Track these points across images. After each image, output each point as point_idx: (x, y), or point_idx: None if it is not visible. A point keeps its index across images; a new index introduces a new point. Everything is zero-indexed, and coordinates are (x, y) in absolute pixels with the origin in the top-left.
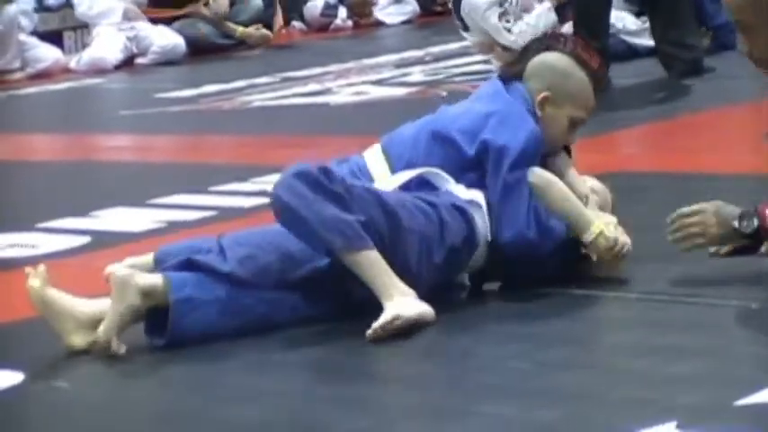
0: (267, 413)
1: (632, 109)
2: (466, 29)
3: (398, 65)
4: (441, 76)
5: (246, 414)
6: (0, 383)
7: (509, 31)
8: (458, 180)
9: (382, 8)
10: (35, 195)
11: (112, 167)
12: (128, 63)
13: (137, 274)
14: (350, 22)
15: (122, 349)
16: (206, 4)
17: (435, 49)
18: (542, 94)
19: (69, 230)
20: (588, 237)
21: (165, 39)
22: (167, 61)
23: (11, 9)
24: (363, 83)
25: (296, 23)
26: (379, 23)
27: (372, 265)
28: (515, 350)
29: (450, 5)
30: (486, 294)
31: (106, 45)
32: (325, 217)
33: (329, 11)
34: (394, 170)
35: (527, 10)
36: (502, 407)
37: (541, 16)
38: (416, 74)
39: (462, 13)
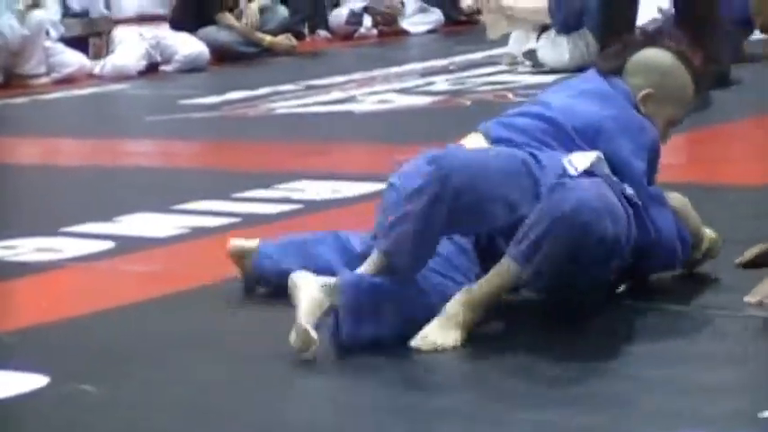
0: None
1: None
2: None
3: (423, 74)
4: (465, 86)
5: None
6: (26, 386)
7: None
8: None
9: (407, 17)
10: (60, 200)
11: (137, 173)
12: (151, 70)
13: (311, 276)
14: (374, 31)
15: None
16: (231, 11)
17: (460, 59)
18: (644, 92)
19: (93, 235)
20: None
21: (189, 47)
22: (191, 69)
23: (37, 15)
24: (388, 91)
25: (321, 32)
26: (404, 32)
27: None
28: (551, 357)
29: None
30: (523, 301)
31: (129, 52)
32: None
33: (354, 19)
34: None
35: None
36: (537, 414)
37: None
38: (441, 83)
39: None
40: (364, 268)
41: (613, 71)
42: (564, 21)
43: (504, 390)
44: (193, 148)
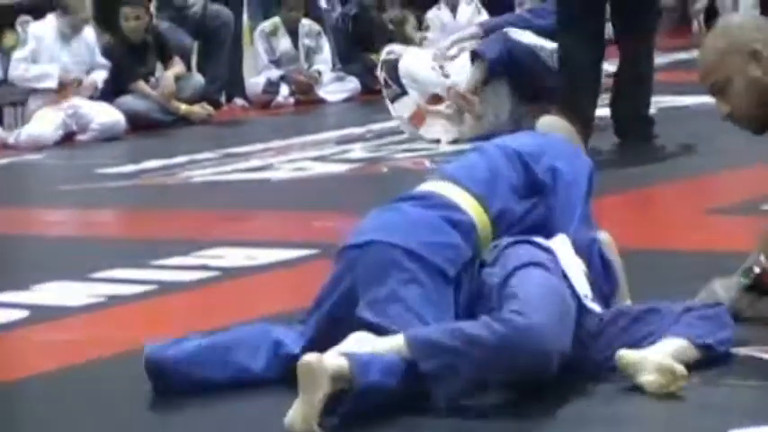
0: None
1: None
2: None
3: (340, 141)
4: (382, 153)
5: None
6: None
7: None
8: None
9: (324, 86)
10: None
11: (52, 242)
12: (67, 139)
13: (325, 358)
14: (291, 99)
15: None
16: (146, 81)
17: (377, 126)
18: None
19: (8, 304)
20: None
21: (105, 115)
22: (107, 138)
23: None
24: (304, 159)
25: (238, 100)
26: (321, 101)
27: None
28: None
29: (381, 77)
30: None
31: (45, 122)
32: None
33: (271, 88)
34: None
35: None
36: None
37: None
38: (358, 150)
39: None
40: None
41: None
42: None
43: None
44: (110, 217)
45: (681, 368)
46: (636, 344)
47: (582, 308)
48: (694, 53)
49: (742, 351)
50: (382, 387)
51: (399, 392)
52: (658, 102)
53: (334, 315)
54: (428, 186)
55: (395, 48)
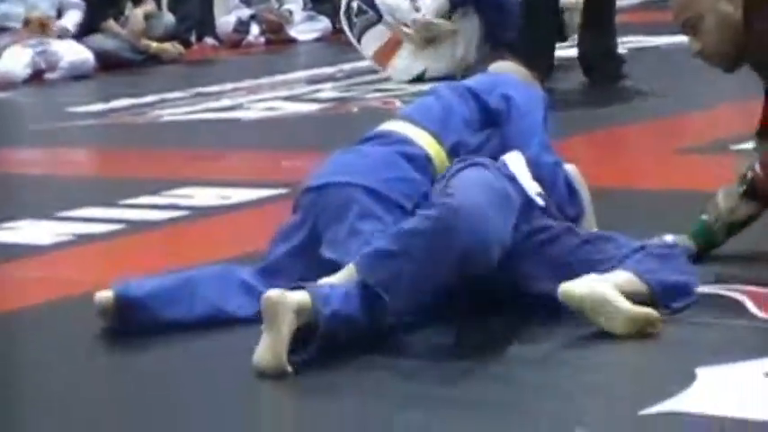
0: None
1: None
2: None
3: (310, 81)
4: (352, 93)
5: None
6: None
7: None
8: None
9: (295, 25)
10: None
11: (21, 180)
12: (36, 77)
13: (287, 293)
14: (262, 39)
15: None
16: (117, 20)
17: (347, 66)
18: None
19: None
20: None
21: (74, 54)
22: (77, 76)
23: None
24: (275, 98)
25: (208, 39)
26: (292, 40)
27: None
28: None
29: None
30: None
31: (13, 60)
32: None
33: (242, 27)
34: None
35: None
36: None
37: None
38: (328, 90)
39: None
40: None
41: None
42: None
43: (389, 390)
44: (79, 156)
45: (655, 314)
46: (580, 267)
47: (531, 203)
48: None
49: (710, 288)
50: (344, 316)
51: (363, 322)
52: (629, 42)
53: (297, 257)
54: (386, 126)
55: None
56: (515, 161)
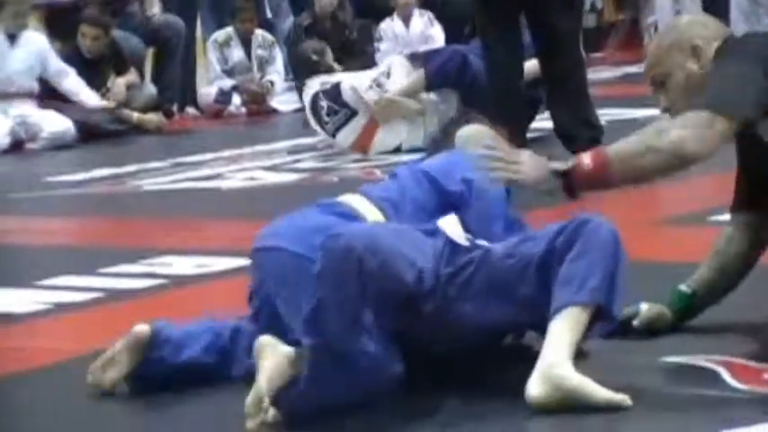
0: None
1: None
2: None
3: (291, 151)
4: (333, 163)
5: None
6: None
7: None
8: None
9: (276, 95)
10: None
11: None
12: (16, 148)
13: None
14: (244, 109)
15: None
16: (99, 90)
17: (327, 137)
18: None
19: None
20: None
21: (55, 125)
22: (58, 146)
23: None
24: (256, 168)
25: (189, 109)
26: (273, 111)
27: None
28: None
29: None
30: None
31: None
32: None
33: (223, 98)
34: (382, 208)
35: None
36: None
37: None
38: (309, 160)
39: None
40: None
41: None
42: None
43: None
44: (58, 225)
45: (626, 400)
46: (513, 280)
47: (455, 246)
48: (644, 67)
49: (686, 359)
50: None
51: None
52: (607, 114)
53: (266, 312)
54: (341, 197)
55: (325, 78)
56: (446, 222)
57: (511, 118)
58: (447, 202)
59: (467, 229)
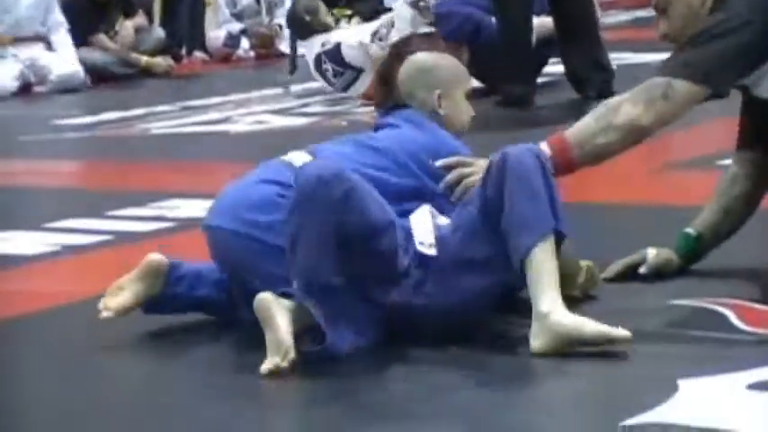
0: None
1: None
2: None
3: (299, 95)
4: (341, 107)
5: None
6: None
7: None
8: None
9: (285, 39)
10: None
11: (7, 192)
12: (25, 90)
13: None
14: (252, 53)
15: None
16: (107, 34)
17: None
18: (435, 95)
19: None
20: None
21: (64, 67)
22: (66, 89)
23: None
24: (264, 112)
25: (198, 53)
26: (282, 54)
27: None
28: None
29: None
30: None
31: (2, 73)
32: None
33: (231, 41)
34: None
35: None
36: None
37: None
38: (317, 105)
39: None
40: None
41: (395, 107)
42: None
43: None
44: (66, 168)
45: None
46: (474, 251)
47: (422, 257)
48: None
49: (693, 302)
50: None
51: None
52: (619, 58)
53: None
54: (288, 156)
55: (324, 37)
56: (419, 215)
57: (520, 73)
58: (414, 189)
59: (441, 210)
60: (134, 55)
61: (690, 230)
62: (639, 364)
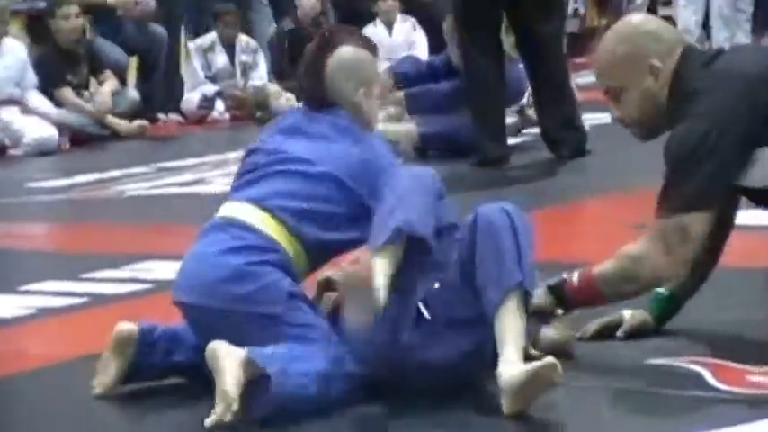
0: None
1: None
2: None
3: None
4: None
5: None
6: None
7: None
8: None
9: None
10: None
11: None
12: (0, 153)
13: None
14: (227, 115)
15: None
16: (77, 90)
17: None
18: (360, 93)
19: None
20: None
21: (38, 131)
22: (41, 152)
23: None
24: None
25: (173, 115)
26: (257, 116)
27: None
28: None
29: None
30: None
31: None
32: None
33: (206, 103)
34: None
35: None
36: None
37: None
38: None
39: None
40: None
41: (318, 101)
42: None
43: None
44: (40, 231)
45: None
46: (457, 312)
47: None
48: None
49: (668, 361)
50: (294, 374)
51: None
52: (591, 119)
53: None
54: (232, 213)
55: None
56: None
57: (493, 133)
58: (360, 211)
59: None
60: (111, 119)
61: (661, 290)
62: (616, 424)
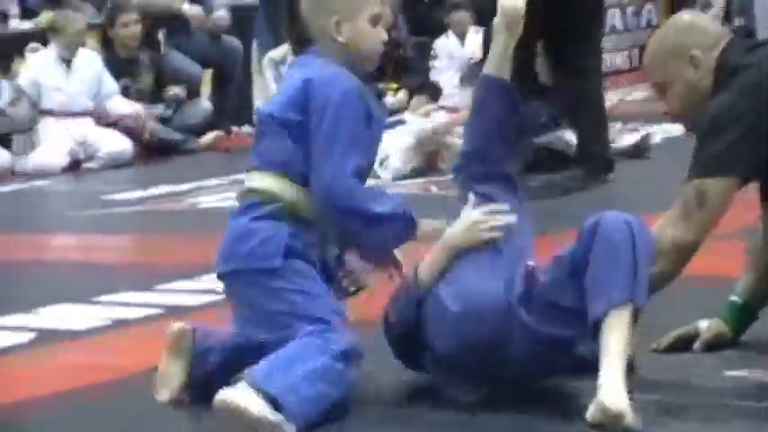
0: None
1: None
2: None
3: None
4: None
5: None
6: None
7: None
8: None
9: None
10: None
11: (57, 266)
12: (75, 166)
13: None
14: None
15: None
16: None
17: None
18: (332, 22)
19: (14, 327)
20: None
21: (113, 144)
22: (115, 165)
23: None
24: None
25: (246, 127)
26: None
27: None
28: None
29: None
30: None
31: (53, 148)
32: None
33: None
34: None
35: None
36: None
37: None
38: None
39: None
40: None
41: (300, 43)
42: None
43: None
44: (115, 242)
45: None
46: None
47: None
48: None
49: (738, 372)
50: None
51: None
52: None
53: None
54: (251, 184)
55: None
56: None
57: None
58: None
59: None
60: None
61: (735, 298)
62: None
